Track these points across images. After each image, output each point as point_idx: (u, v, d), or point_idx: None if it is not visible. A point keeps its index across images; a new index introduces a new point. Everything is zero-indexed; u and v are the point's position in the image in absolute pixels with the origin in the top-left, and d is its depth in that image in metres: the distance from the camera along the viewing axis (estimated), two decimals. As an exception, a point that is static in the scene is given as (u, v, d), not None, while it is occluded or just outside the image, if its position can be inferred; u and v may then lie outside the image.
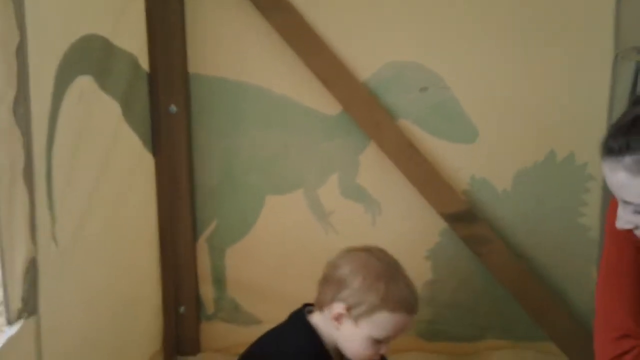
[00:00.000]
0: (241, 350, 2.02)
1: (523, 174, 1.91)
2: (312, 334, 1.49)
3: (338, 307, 1.44)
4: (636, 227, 1.21)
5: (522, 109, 1.88)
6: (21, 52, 1.13)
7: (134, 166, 1.77)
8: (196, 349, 2.07)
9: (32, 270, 1.20)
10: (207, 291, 2.06)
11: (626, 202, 1.18)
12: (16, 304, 1.17)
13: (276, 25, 1.81)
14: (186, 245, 1.99)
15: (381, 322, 1.43)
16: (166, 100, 1.87)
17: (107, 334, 1.64)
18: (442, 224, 1.94)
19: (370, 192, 1.96)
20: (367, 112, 1.87)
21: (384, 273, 1.45)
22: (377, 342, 1.46)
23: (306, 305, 1.56)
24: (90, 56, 1.45)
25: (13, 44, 1.11)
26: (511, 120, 1.88)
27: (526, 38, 1.84)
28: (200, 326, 2.08)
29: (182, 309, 2.03)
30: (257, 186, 1.97)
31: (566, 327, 1.89)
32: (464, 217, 1.90)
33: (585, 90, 1.85)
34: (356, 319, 1.44)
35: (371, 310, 1.42)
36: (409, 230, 1.97)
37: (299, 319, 1.53)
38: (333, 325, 1.47)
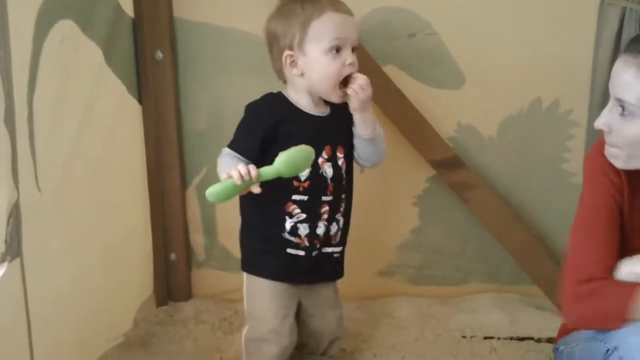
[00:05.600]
0: (232, 296, 2.05)
1: (509, 121, 1.92)
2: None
3: (284, 56, 1.46)
4: (610, 131, 1.24)
5: (508, 56, 1.87)
6: (-1, -5, 1.12)
7: (118, 112, 1.76)
8: (187, 295, 2.09)
9: (14, 214, 1.21)
10: (198, 239, 2.08)
11: (619, 101, 1.21)
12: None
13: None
14: (175, 192, 2.00)
15: (319, 32, 1.43)
16: (152, 47, 1.85)
17: (97, 279, 1.66)
18: (429, 171, 1.96)
19: (358, 140, 1.96)
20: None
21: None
22: (336, 51, 1.45)
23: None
24: (71, 0, 1.44)
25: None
26: (498, 67, 1.88)
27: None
28: (192, 273, 2.10)
29: (172, 256, 2.05)
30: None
31: (549, 270, 1.91)
32: (451, 163, 1.91)
33: (571, 37, 1.84)
34: (301, 50, 1.45)
35: (303, 30, 1.42)
36: (396, 177, 1.98)
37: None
38: (295, 75, 1.48)
